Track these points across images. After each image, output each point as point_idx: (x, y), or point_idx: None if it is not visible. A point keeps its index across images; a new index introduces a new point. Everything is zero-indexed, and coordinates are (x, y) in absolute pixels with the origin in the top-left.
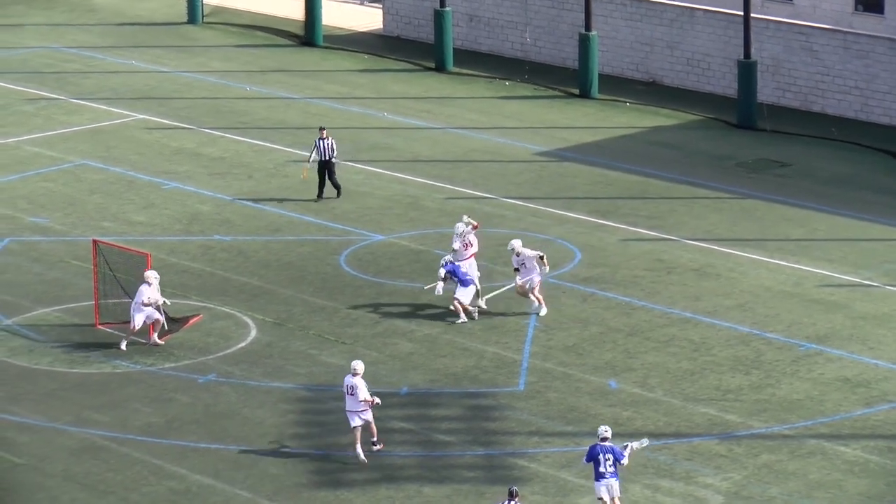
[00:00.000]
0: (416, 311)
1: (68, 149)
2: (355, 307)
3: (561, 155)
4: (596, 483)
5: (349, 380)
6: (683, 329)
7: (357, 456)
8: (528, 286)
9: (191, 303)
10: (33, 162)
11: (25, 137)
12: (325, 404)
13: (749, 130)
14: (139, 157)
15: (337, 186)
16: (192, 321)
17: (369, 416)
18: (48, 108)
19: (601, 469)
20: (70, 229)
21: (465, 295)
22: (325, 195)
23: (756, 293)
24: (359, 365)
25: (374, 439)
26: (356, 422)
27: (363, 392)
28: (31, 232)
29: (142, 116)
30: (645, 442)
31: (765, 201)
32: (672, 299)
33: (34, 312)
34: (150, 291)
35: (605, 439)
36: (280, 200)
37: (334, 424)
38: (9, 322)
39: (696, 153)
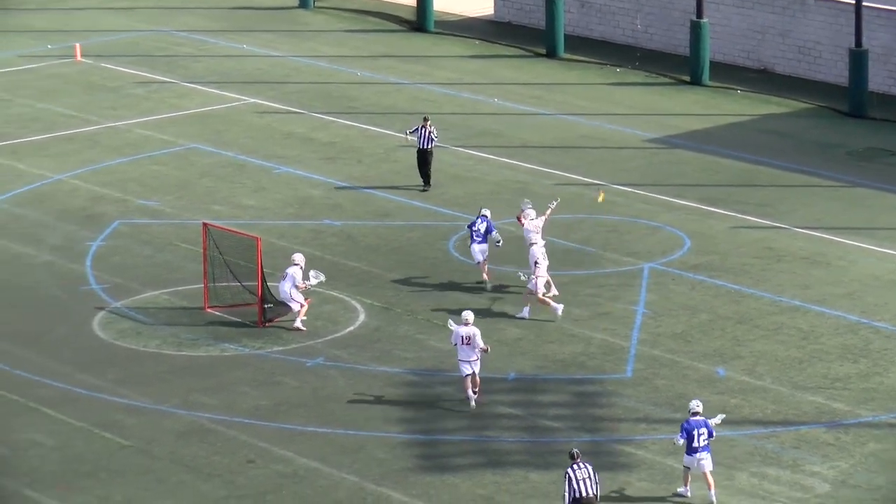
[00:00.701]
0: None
1: (179, 132)
2: (463, 292)
3: (671, 142)
4: (687, 456)
5: (463, 330)
6: (792, 317)
7: (469, 400)
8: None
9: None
10: (144, 145)
11: (137, 120)
12: (432, 389)
13: (859, 119)
14: (250, 141)
15: (427, 177)
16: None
17: (478, 366)
18: (159, 91)
19: (695, 444)
20: (180, 212)
21: (478, 252)
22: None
23: (865, 282)
24: (470, 315)
25: (476, 389)
26: (468, 370)
27: (480, 340)
28: (141, 214)
29: (252, 100)
30: (721, 418)
31: (874, 190)
32: (781, 287)
33: (143, 295)
34: (301, 275)
35: (695, 413)
36: (391, 188)
37: (441, 409)
38: (117, 304)
39: (806, 141)
